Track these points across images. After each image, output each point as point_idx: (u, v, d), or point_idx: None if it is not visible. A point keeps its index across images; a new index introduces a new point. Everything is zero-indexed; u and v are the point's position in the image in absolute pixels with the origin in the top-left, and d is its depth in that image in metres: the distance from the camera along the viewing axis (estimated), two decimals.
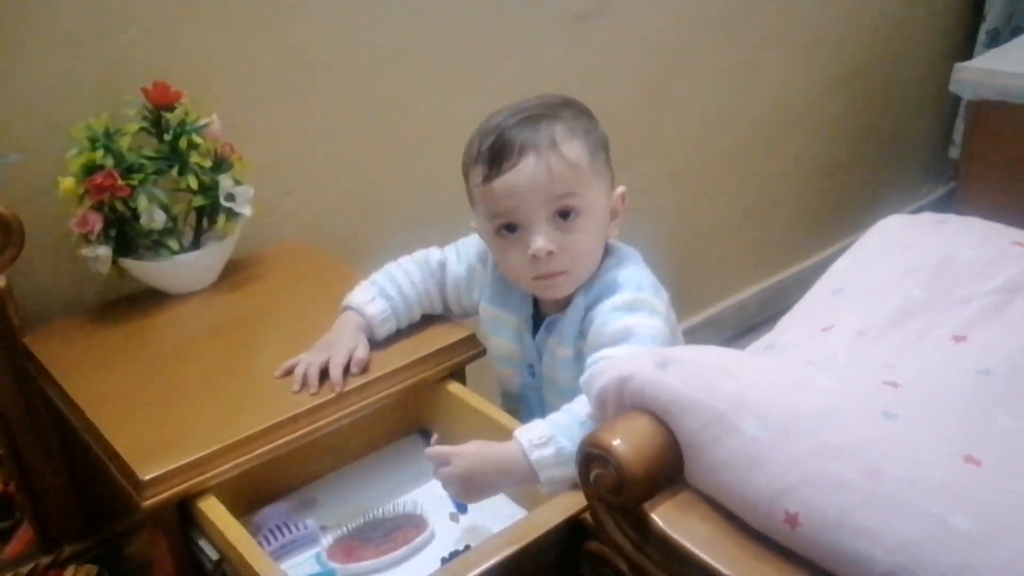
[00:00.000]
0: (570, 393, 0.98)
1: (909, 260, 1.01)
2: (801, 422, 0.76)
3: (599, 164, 1.03)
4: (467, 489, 0.92)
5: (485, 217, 1.03)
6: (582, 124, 1.02)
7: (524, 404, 1.16)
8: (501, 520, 0.96)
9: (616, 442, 0.79)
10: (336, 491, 1.08)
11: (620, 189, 1.07)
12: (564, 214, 1.00)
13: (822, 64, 2.17)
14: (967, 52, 2.47)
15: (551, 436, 0.90)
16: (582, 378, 0.93)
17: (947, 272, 0.98)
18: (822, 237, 2.38)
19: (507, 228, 1.02)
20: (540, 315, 1.10)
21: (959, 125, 2.49)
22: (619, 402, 0.85)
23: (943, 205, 2.59)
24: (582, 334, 1.04)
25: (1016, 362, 0.85)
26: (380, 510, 1.03)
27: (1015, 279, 0.95)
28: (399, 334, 1.11)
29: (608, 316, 1.00)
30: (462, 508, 1.03)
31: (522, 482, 0.91)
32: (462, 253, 1.16)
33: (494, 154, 0.99)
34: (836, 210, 2.39)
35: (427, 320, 1.14)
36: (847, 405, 0.77)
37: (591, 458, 0.82)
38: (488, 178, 1.00)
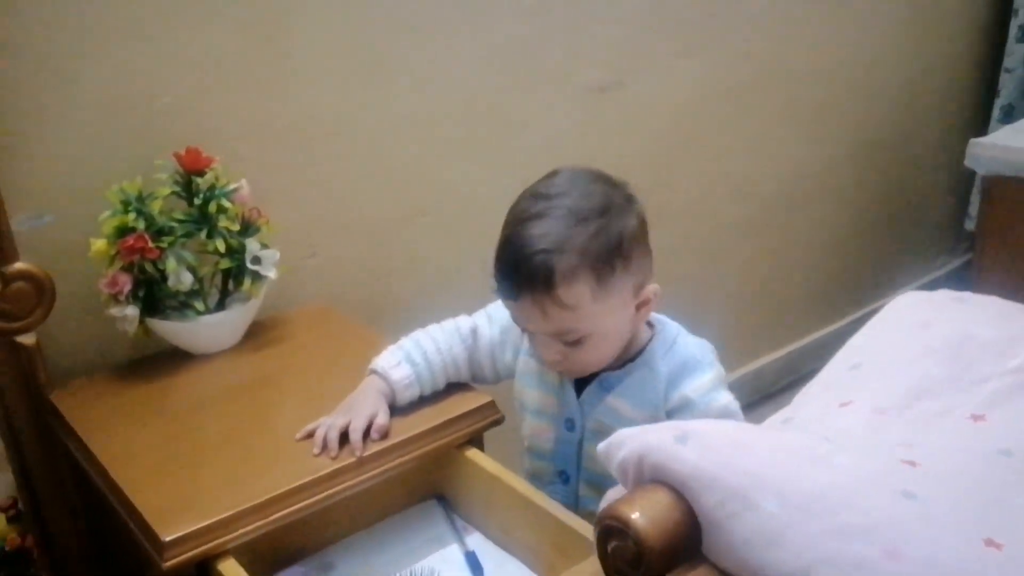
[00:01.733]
0: None
1: (927, 338, 1.02)
2: (820, 500, 0.76)
3: (612, 286, 1.01)
4: None
5: None
6: (600, 245, 0.99)
7: (556, 460, 1.15)
8: None
9: (635, 515, 0.80)
10: (353, 555, 1.08)
11: (651, 288, 1.06)
12: (566, 341, 1.03)
13: (837, 136, 2.19)
14: (982, 127, 2.50)
15: None
16: (600, 446, 0.94)
17: (966, 351, 0.98)
18: (837, 308, 2.39)
19: (524, 330, 1.07)
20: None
21: (975, 198, 2.50)
22: (639, 474, 0.85)
23: (959, 277, 2.59)
24: (659, 405, 1.06)
25: None
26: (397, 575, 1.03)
27: None
28: (420, 399, 1.12)
29: (708, 396, 1.06)
30: (479, 574, 1.03)
31: None
32: (494, 317, 1.18)
33: (500, 278, 1.02)
34: (851, 281, 2.40)
35: (447, 385, 1.15)
36: (866, 484, 0.78)
37: (609, 530, 0.82)
38: (498, 294, 1.04)
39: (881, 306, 2.58)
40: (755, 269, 2.14)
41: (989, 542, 0.74)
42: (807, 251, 2.25)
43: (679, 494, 0.81)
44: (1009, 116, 2.42)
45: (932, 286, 2.56)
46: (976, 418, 0.90)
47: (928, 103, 2.41)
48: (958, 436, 0.88)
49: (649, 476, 0.84)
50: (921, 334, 1.03)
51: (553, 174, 1.06)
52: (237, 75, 1.29)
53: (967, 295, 1.10)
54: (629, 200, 1.04)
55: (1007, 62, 2.43)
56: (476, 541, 1.08)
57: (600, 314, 1.01)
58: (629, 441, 0.87)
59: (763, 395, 2.22)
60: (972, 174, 2.40)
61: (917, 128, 2.40)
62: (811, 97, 2.09)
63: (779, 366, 2.26)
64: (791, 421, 0.99)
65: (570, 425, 1.12)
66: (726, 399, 1.08)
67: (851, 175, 2.27)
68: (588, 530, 0.96)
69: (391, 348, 1.14)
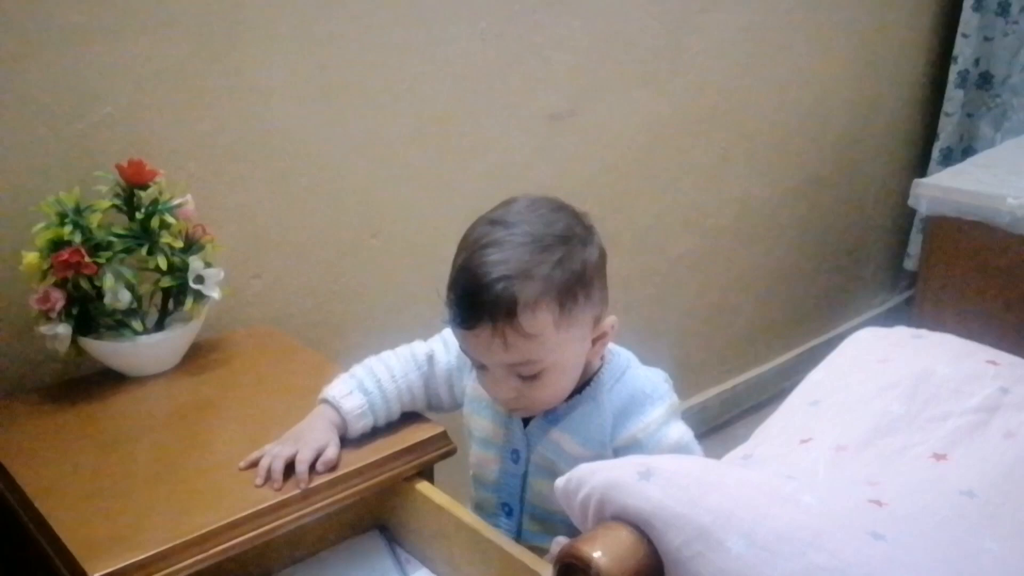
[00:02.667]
0: (548, 493, 0.98)
1: (886, 375, 1.02)
2: (787, 541, 0.74)
3: (573, 316, 0.97)
4: None
5: None
6: (561, 273, 0.95)
7: (500, 492, 1.12)
8: None
9: (597, 554, 0.77)
10: None
11: (609, 320, 1.02)
12: (523, 374, 0.99)
13: (785, 172, 2.22)
14: (922, 168, 2.56)
15: None
16: (558, 481, 0.91)
17: (924, 388, 0.98)
18: (782, 342, 2.41)
19: (476, 364, 1.02)
20: None
21: (914, 237, 2.56)
22: (599, 512, 0.82)
23: (898, 314, 2.64)
24: (605, 442, 1.03)
25: (999, 485, 0.85)
26: None
27: (991, 399, 0.96)
28: (372, 430, 1.07)
29: (658, 434, 1.02)
30: None
31: None
32: (450, 342, 1.13)
33: (456, 307, 0.96)
34: (796, 316, 2.43)
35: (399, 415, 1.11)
36: (833, 524, 0.76)
37: (570, 570, 0.79)
38: (453, 324, 0.98)
39: (824, 343, 2.62)
40: (702, 301, 2.14)
41: None
42: (753, 285, 2.27)
43: (642, 532, 0.79)
44: (948, 159, 2.49)
45: (873, 323, 2.60)
46: (938, 457, 0.90)
47: (872, 143, 2.46)
48: (921, 475, 0.88)
49: (611, 513, 0.81)
50: (880, 370, 1.03)
51: (510, 201, 1.02)
52: (186, 88, 1.24)
53: (923, 332, 1.10)
54: (590, 231, 1.02)
55: (946, 106, 2.50)
56: None
57: (560, 345, 0.97)
58: (590, 477, 0.84)
59: (709, 427, 2.22)
60: (911, 213, 2.46)
61: (861, 167, 2.45)
62: (761, 133, 2.12)
63: (724, 399, 2.26)
64: (751, 458, 0.98)
65: (515, 457, 1.09)
66: (677, 434, 1.04)
67: (798, 211, 2.30)
68: (540, 565, 0.93)
69: (342, 376, 1.09)
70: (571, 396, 1.05)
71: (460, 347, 1.03)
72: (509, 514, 1.11)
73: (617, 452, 1.03)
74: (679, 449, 1.02)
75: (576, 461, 1.02)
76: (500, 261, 0.94)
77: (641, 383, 1.06)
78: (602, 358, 1.08)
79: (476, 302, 0.94)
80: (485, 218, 1.00)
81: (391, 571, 1.06)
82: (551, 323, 0.95)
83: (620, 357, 1.09)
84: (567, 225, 0.99)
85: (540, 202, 1.01)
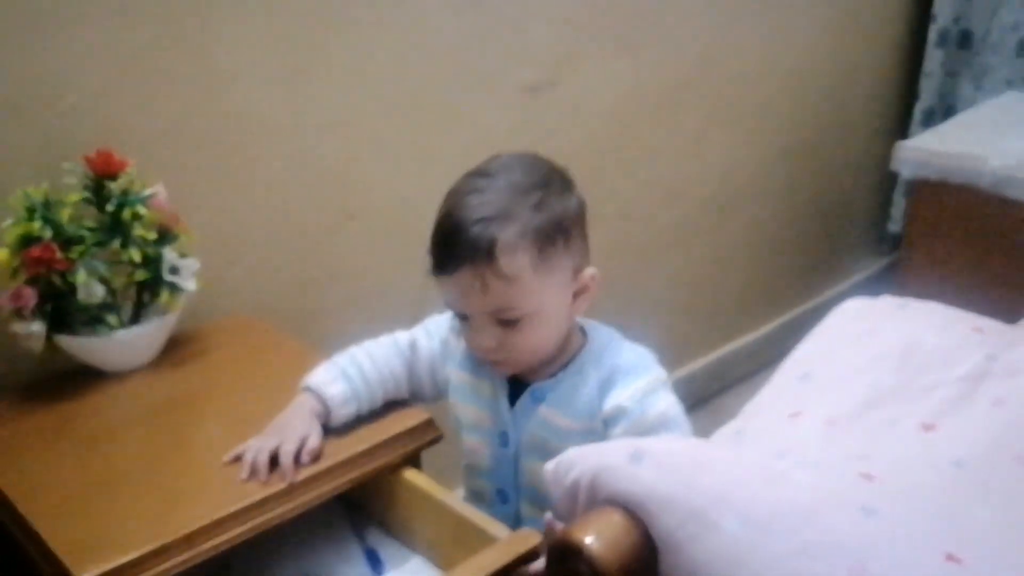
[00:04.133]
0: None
1: (874, 346, 1.01)
2: (781, 519, 0.74)
3: (552, 262, 0.98)
4: None
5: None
6: (539, 218, 0.97)
7: (494, 478, 1.11)
8: None
9: (589, 539, 0.76)
10: (249, 556, 1.01)
11: (589, 271, 1.04)
12: (503, 318, 0.99)
13: (767, 139, 2.21)
14: (903, 129, 2.55)
15: None
16: (548, 465, 0.90)
17: (912, 359, 0.98)
18: (767, 310, 2.41)
19: (458, 314, 1.03)
20: (520, 380, 1.07)
21: (897, 200, 2.55)
22: (591, 495, 0.82)
23: (883, 279, 2.64)
24: (594, 413, 1.02)
25: (988, 454, 0.84)
26: None
27: (979, 367, 0.95)
28: (355, 418, 1.06)
29: (643, 402, 1.00)
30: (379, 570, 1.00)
31: None
32: (432, 330, 1.14)
33: (437, 252, 0.98)
34: (780, 284, 2.42)
35: (383, 404, 1.09)
36: (826, 501, 0.76)
37: (563, 554, 0.78)
38: (434, 271, 1.00)
39: (810, 310, 2.63)
40: (685, 272, 2.13)
41: (950, 557, 0.72)
42: (736, 255, 2.26)
43: (635, 516, 0.78)
44: (930, 119, 2.48)
45: (859, 288, 2.62)
46: (927, 427, 0.89)
47: (853, 106, 2.44)
48: (911, 447, 0.87)
49: (603, 497, 0.80)
50: (868, 342, 1.02)
51: (493, 158, 1.05)
52: (152, 73, 1.21)
53: (909, 301, 1.10)
54: (569, 183, 1.04)
55: (926, 66, 2.48)
56: (417, 565, 1.04)
57: (540, 290, 0.98)
58: (580, 461, 0.83)
59: (696, 399, 2.21)
60: (894, 176, 2.45)
61: (842, 130, 2.44)
62: (742, 99, 2.09)
63: (711, 370, 2.26)
64: (742, 433, 0.97)
65: (504, 440, 1.08)
66: (664, 403, 1.03)
67: (780, 178, 2.29)
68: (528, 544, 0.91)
69: (325, 364, 1.08)
70: (556, 372, 1.05)
71: (444, 300, 1.03)
72: (505, 500, 1.10)
73: (607, 423, 1.03)
74: (665, 420, 1.02)
75: (567, 435, 1.02)
76: (479, 204, 0.97)
77: (625, 355, 1.06)
78: (585, 335, 1.08)
79: (455, 244, 0.96)
80: (468, 173, 1.03)
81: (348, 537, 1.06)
82: (529, 266, 0.96)
83: (602, 333, 1.09)
84: (546, 173, 1.02)
85: (522, 156, 1.05)
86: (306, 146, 1.39)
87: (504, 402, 1.07)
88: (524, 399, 1.06)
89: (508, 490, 1.10)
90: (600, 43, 1.76)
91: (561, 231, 0.99)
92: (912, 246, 1.96)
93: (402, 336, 1.13)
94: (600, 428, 1.03)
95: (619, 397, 1.02)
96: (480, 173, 1.01)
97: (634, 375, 1.03)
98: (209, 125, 1.28)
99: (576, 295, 1.03)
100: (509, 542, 0.92)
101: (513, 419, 1.07)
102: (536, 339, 1.01)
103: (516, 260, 0.95)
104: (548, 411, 1.05)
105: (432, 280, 1.01)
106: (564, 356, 1.06)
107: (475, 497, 1.14)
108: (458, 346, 1.11)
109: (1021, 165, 1.76)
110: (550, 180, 1.01)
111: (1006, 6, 2.37)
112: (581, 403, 1.03)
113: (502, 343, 1.00)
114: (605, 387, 1.03)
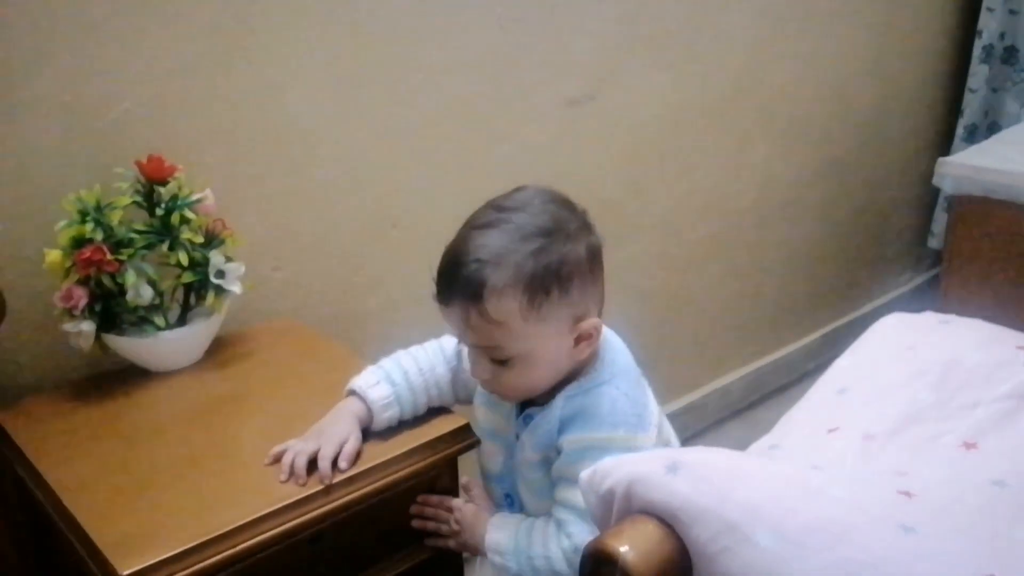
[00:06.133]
0: (533, 486, 1.06)
1: (914, 362, 1.00)
2: (816, 535, 0.73)
3: (544, 311, 0.96)
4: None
5: None
6: (536, 265, 0.95)
7: (504, 482, 1.12)
8: None
9: (624, 548, 0.77)
10: None
11: (591, 322, 1.00)
12: (494, 358, 0.99)
13: (807, 153, 2.20)
14: (946, 146, 2.52)
15: (507, 551, 1.02)
16: (584, 473, 0.91)
17: (953, 376, 0.97)
18: (805, 323, 2.39)
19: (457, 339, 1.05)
20: (525, 403, 1.07)
21: (938, 215, 2.53)
22: (625, 505, 0.82)
23: (923, 294, 2.61)
24: (551, 446, 1.02)
25: None
26: None
27: (1022, 386, 0.94)
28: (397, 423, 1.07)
29: (577, 454, 0.98)
30: None
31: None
32: None
33: (437, 281, 1.00)
34: (819, 297, 2.40)
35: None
36: (863, 517, 0.75)
37: (597, 563, 0.79)
38: (435, 298, 1.01)
39: (848, 323, 2.60)
40: (723, 285, 2.12)
41: None
42: (775, 267, 2.25)
43: (669, 527, 0.78)
44: (972, 135, 2.45)
45: (897, 303, 2.59)
46: (968, 446, 0.89)
47: (895, 121, 2.42)
48: (951, 465, 0.87)
49: (638, 507, 0.81)
50: (908, 358, 1.02)
51: (518, 189, 1.03)
52: (203, 81, 1.23)
53: (952, 317, 1.09)
54: (583, 228, 1.00)
55: (971, 82, 2.45)
56: None
57: (530, 337, 0.97)
58: (616, 469, 0.84)
59: (731, 411, 2.21)
60: (935, 192, 2.42)
61: (883, 146, 2.42)
62: (782, 113, 2.09)
63: (747, 382, 2.25)
64: (778, 448, 0.97)
65: (512, 451, 1.09)
66: (589, 473, 0.93)
67: (820, 191, 2.27)
68: None
69: (370, 368, 1.09)
70: (547, 400, 1.04)
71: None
72: (512, 504, 1.11)
73: (554, 467, 1.03)
74: (570, 498, 0.99)
75: (530, 465, 1.03)
76: (480, 245, 0.97)
77: (602, 401, 1.01)
78: (597, 365, 1.04)
79: (449, 280, 0.97)
80: (490, 202, 1.02)
81: None
82: (517, 313, 0.95)
83: (605, 372, 1.03)
84: (556, 219, 0.98)
85: (542, 193, 1.01)
86: (351, 156, 1.41)
87: (514, 415, 1.08)
88: (519, 422, 1.07)
89: (514, 495, 1.11)
90: (640, 58, 1.77)
91: (557, 280, 0.96)
92: (952, 262, 1.94)
93: (448, 342, 1.14)
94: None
95: (563, 439, 1.01)
96: (496, 207, 1.00)
97: (592, 425, 1.00)
98: (257, 133, 1.30)
99: (577, 341, 1.00)
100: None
101: (516, 433, 1.08)
102: (528, 379, 1.01)
103: (503, 305, 0.94)
104: (527, 437, 1.05)
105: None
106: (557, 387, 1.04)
107: (490, 497, 1.15)
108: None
109: None
110: (560, 226, 0.98)
111: None
112: (543, 436, 1.03)
113: (494, 376, 1.00)
114: (563, 426, 1.02)
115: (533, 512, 1.08)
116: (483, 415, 1.11)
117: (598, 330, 1.01)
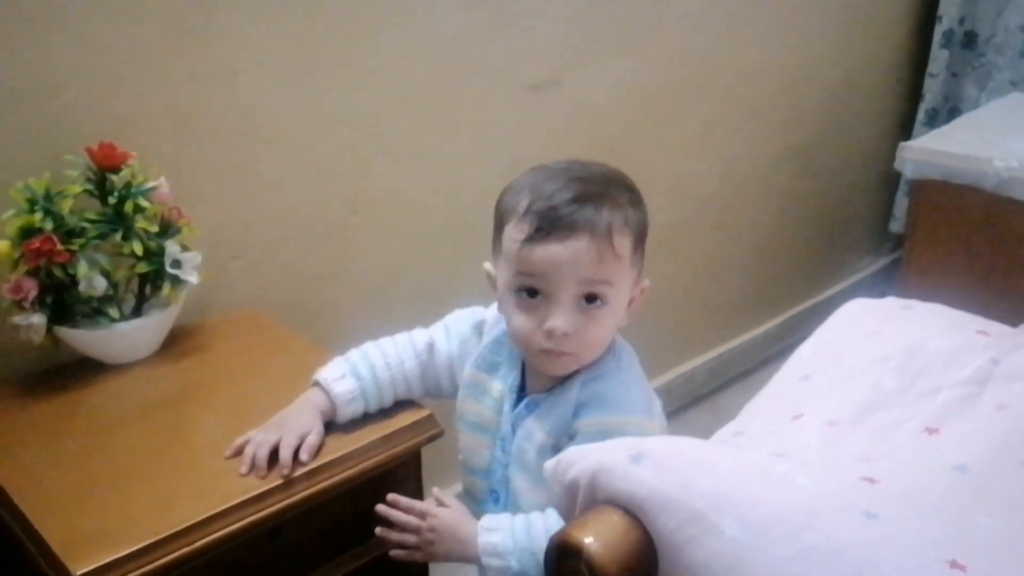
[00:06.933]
0: (535, 476, 0.99)
1: (876, 348, 1.00)
2: (781, 523, 0.73)
3: (637, 257, 1.00)
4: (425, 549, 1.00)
5: (510, 272, 0.98)
6: (636, 214, 0.98)
7: (491, 478, 1.10)
8: None
9: (588, 539, 0.76)
10: None
11: (646, 283, 1.03)
12: (591, 298, 0.96)
13: (770, 137, 2.20)
14: (907, 130, 2.54)
15: (507, 552, 0.96)
16: (548, 463, 0.90)
17: (915, 362, 0.97)
18: (768, 308, 2.40)
19: (529, 292, 0.97)
20: (523, 389, 1.06)
21: (899, 199, 2.55)
22: (590, 495, 0.81)
23: (884, 278, 2.64)
24: (565, 431, 1.00)
25: (991, 459, 0.84)
26: None
27: (983, 370, 0.95)
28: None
29: (594, 437, 0.95)
30: None
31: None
32: (452, 330, 1.11)
33: (547, 221, 0.94)
34: (781, 282, 2.42)
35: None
36: (827, 505, 0.75)
37: (562, 554, 0.78)
38: (531, 240, 0.95)
39: (811, 308, 2.61)
40: (688, 269, 2.13)
41: (953, 564, 0.72)
42: (738, 253, 2.25)
43: (634, 517, 0.78)
44: (933, 120, 2.47)
45: (859, 287, 2.61)
46: (930, 431, 0.89)
47: (856, 106, 2.44)
48: (913, 451, 0.87)
49: (602, 497, 0.80)
50: (870, 344, 1.02)
51: (578, 165, 1.02)
52: (156, 66, 1.20)
53: (914, 303, 1.09)
54: None
55: (931, 67, 2.47)
56: None
57: (627, 280, 0.99)
58: (580, 459, 0.83)
59: (695, 396, 2.21)
60: (896, 176, 2.44)
61: (845, 130, 2.43)
62: (745, 98, 2.09)
63: (711, 367, 2.26)
64: (742, 435, 0.97)
65: (503, 445, 1.08)
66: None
67: (783, 176, 2.28)
68: None
69: (337, 360, 1.07)
70: (553, 387, 1.03)
71: (519, 270, 0.97)
72: (496, 500, 1.10)
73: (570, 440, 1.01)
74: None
75: (541, 450, 1.02)
76: (587, 181, 0.96)
77: (620, 388, 1.01)
78: (604, 355, 1.04)
79: (578, 215, 0.94)
80: (536, 167, 1.01)
81: None
82: (629, 252, 0.97)
83: (621, 360, 1.04)
84: (631, 188, 1.02)
85: (603, 166, 1.03)
86: (310, 141, 1.38)
87: (509, 408, 1.07)
88: (520, 409, 1.05)
89: (500, 491, 1.10)
90: (603, 43, 1.75)
91: (642, 233, 1.00)
92: (913, 246, 1.96)
93: (420, 336, 1.11)
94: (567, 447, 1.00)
95: (583, 421, 1.00)
96: (558, 163, 1.00)
97: (608, 408, 1.00)
98: (213, 119, 1.27)
99: (630, 303, 1.01)
100: None
101: (511, 427, 1.06)
102: (605, 330, 1.00)
103: (625, 241, 0.96)
104: (533, 423, 1.03)
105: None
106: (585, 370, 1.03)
107: (467, 493, 1.13)
108: (477, 346, 1.09)
109: None
110: (634, 189, 1.02)
111: (1012, 7, 2.36)
112: (559, 419, 1.02)
113: (577, 330, 0.97)
114: (579, 409, 1.01)
115: (524, 507, 1.06)
116: (469, 408, 1.09)
117: (645, 293, 1.03)
